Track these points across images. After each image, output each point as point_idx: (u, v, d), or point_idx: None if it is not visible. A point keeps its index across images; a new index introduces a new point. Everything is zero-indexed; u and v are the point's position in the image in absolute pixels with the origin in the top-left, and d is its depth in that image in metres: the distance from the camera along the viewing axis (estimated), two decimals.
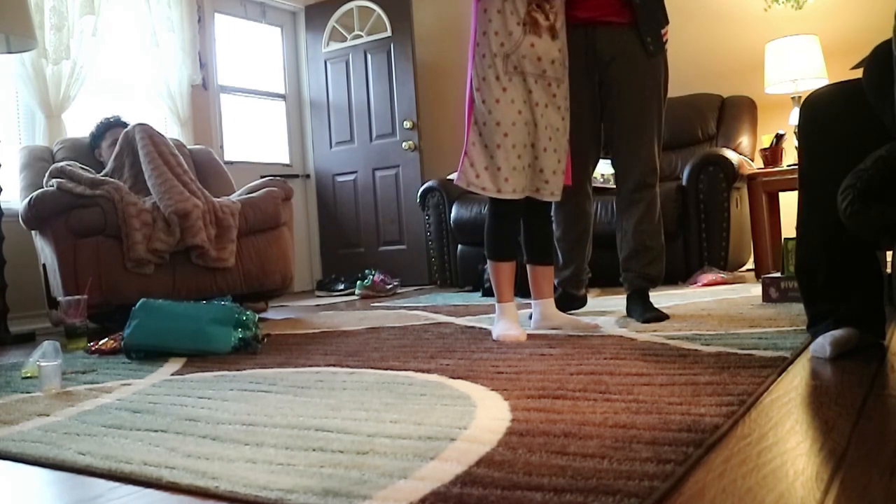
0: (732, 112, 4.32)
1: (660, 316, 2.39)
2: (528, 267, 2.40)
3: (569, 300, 2.74)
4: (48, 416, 1.51)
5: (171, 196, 3.34)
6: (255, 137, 5.54)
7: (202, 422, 1.35)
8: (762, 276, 2.78)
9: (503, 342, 2.11)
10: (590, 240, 2.76)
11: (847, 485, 0.84)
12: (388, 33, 5.33)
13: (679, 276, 3.76)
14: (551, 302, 2.38)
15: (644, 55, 2.45)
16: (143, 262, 3.24)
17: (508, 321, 2.25)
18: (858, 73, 1.44)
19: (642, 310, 2.45)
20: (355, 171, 5.57)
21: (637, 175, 2.52)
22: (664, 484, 0.86)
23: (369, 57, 5.46)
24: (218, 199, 3.55)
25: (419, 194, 4.76)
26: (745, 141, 4.22)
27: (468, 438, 1.10)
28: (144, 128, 3.60)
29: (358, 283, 4.61)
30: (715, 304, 2.73)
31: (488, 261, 2.35)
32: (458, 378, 1.60)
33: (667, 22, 2.52)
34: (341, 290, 4.95)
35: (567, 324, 2.32)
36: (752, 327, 2.06)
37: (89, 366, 2.22)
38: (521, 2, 2.20)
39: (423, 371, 1.72)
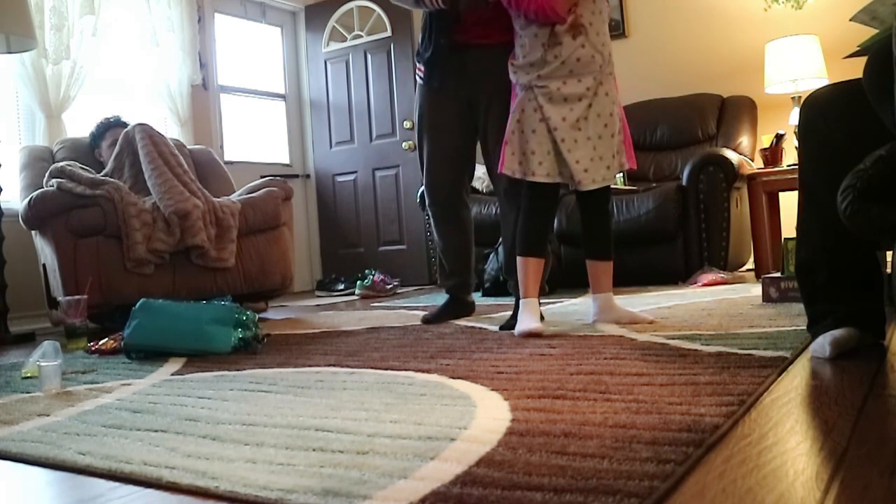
0: (732, 112, 4.32)
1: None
2: (587, 262, 2.45)
3: (459, 306, 2.86)
4: (48, 416, 1.51)
5: (172, 196, 3.34)
6: (255, 137, 5.54)
7: (202, 422, 1.35)
8: (762, 276, 2.78)
9: (522, 334, 2.22)
10: (472, 248, 2.91)
11: (847, 485, 0.84)
12: (388, 33, 5.33)
13: (679, 276, 3.76)
14: (610, 296, 2.41)
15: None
16: (143, 262, 3.24)
17: (529, 315, 2.29)
18: (858, 73, 1.43)
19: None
20: (355, 171, 5.57)
21: (504, 183, 2.61)
22: (664, 484, 0.86)
23: (369, 57, 5.46)
24: (218, 199, 3.56)
25: (419, 194, 4.75)
26: (745, 141, 4.22)
27: (468, 438, 1.10)
28: (144, 128, 3.60)
29: (358, 283, 4.61)
30: (715, 304, 2.73)
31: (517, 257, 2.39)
32: (458, 378, 1.60)
33: None
34: (341, 290, 4.95)
35: (625, 317, 2.36)
36: (752, 327, 2.06)
37: (89, 366, 2.22)
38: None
39: (423, 371, 1.72)
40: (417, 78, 2.74)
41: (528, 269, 2.34)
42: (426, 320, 2.75)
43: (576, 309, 2.86)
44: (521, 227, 2.38)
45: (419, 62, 2.70)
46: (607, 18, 2.33)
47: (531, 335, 2.19)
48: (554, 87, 2.25)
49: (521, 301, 2.34)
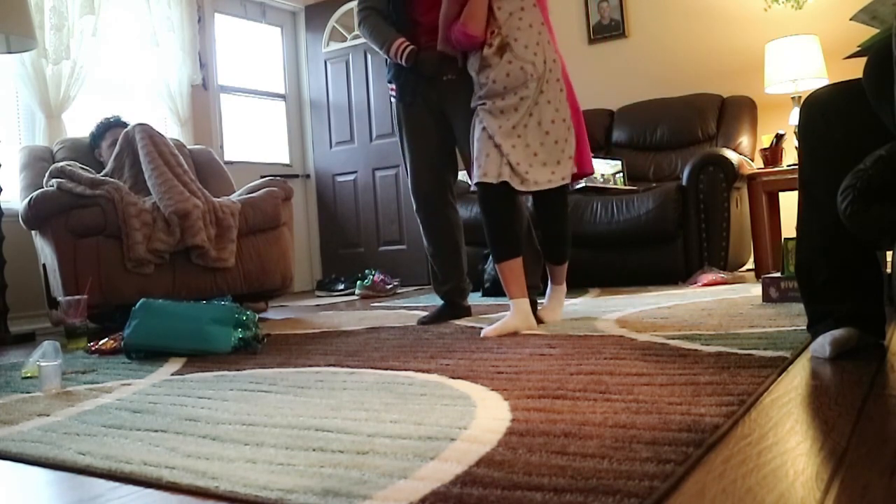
0: (732, 112, 4.31)
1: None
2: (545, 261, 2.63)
3: (455, 311, 2.86)
4: (48, 416, 1.51)
5: (172, 196, 3.34)
6: (255, 137, 5.54)
7: (202, 422, 1.35)
8: (762, 276, 2.78)
9: (488, 335, 2.26)
10: (463, 250, 2.91)
11: (847, 485, 0.84)
12: None
13: (679, 276, 3.76)
14: (554, 288, 2.60)
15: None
16: (143, 262, 3.24)
17: (511, 317, 2.35)
18: (858, 73, 1.43)
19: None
20: (355, 171, 5.57)
21: None
22: (664, 484, 0.86)
23: (369, 57, 5.46)
24: (218, 199, 3.56)
25: None
26: (745, 141, 4.22)
27: (468, 438, 1.10)
28: (144, 128, 3.60)
29: (358, 283, 4.61)
30: (715, 304, 2.73)
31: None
32: (458, 378, 1.60)
33: None
34: (341, 290, 4.95)
35: (546, 316, 2.53)
36: (752, 327, 2.06)
37: (89, 366, 2.22)
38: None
39: (423, 371, 1.72)
40: (391, 98, 2.83)
41: (504, 273, 2.39)
42: (422, 323, 2.75)
43: (575, 309, 2.86)
44: (486, 236, 2.41)
45: (391, 82, 2.77)
46: (543, 30, 2.38)
47: (492, 336, 2.24)
48: (491, 103, 2.35)
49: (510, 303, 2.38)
